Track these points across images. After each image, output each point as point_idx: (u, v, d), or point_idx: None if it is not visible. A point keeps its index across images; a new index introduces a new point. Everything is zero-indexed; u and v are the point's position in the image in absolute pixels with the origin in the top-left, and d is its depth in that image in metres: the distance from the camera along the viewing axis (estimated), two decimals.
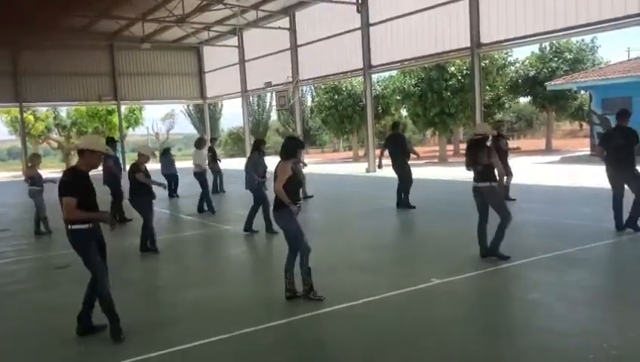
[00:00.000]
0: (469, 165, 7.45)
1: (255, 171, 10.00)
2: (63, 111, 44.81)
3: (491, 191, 7.17)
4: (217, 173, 17.00)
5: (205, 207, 13.23)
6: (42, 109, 42.41)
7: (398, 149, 12.40)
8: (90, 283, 5.29)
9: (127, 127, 42.19)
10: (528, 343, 4.76)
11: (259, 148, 10.26)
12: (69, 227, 5.10)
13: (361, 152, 38.71)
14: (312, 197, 14.60)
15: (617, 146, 8.36)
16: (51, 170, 40.83)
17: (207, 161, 14.72)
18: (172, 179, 16.59)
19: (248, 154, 11.07)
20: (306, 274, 5.97)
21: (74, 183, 5.08)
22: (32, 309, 6.49)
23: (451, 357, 4.55)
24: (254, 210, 10.18)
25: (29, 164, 11.50)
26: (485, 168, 7.20)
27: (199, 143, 15.04)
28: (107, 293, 5.17)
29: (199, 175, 13.58)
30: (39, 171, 11.43)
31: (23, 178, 11.33)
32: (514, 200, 11.96)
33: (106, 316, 5.18)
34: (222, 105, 54.68)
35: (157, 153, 23.96)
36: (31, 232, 11.38)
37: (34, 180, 11.08)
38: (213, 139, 17.43)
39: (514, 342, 4.85)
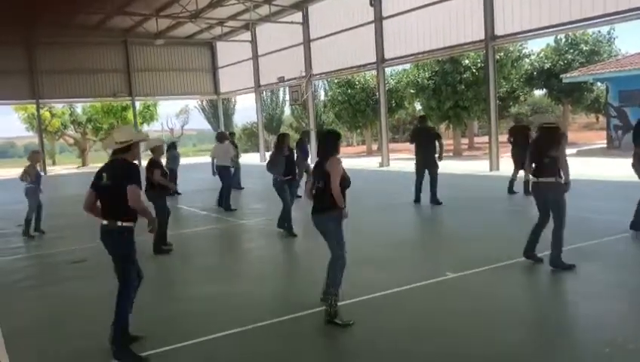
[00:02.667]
0: (534, 158, 6.77)
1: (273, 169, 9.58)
2: (79, 107, 45.22)
3: (557, 188, 6.53)
4: (237, 168, 16.69)
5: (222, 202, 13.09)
6: (58, 106, 42.82)
7: (431, 143, 12.02)
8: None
9: (142, 123, 42.38)
10: (544, 336, 4.75)
11: (278, 146, 9.76)
12: (119, 224, 4.72)
13: (374, 146, 38.61)
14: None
15: None
16: (67, 167, 41.35)
17: (231, 155, 13.95)
18: (173, 174, 16.28)
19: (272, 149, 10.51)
20: (331, 288, 5.24)
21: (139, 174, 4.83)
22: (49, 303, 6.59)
23: (468, 348, 4.55)
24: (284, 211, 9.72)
25: (29, 162, 10.89)
26: (551, 161, 6.50)
27: (221, 137, 14.50)
28: (126, 310, 4.79)
29: (220, 169, 13.31)
30: (38, 169, 11.11)
31: (20, 175, 10.91)
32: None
33: (113, 329, 4.72)
34: (235, 101, 54.80)
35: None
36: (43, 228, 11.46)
37: (32, 178, 10.65)
38: (231, 134, 17.23)
39: (531, 335, 4.83)
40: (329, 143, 5.49)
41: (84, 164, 42.21)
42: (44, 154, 32.47)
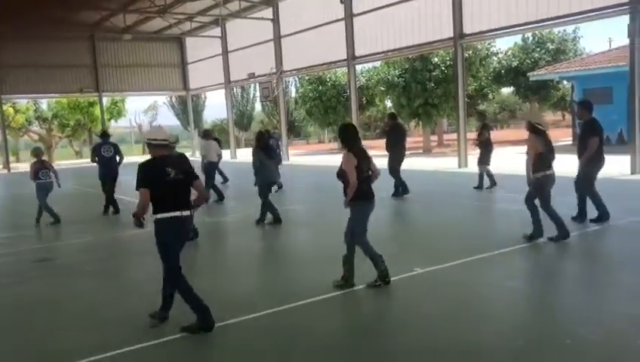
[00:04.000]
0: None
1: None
2: (44, 103, 44.29)
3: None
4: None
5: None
6: (22, 101, 41.84)
7: (400, 140, 12.59)
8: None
9: (109, 119, 41.77)
10: (508, 328, 4.83)
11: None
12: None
13: None
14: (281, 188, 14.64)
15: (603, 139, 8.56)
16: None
17: (218, 152, 14.36)
18: None
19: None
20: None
21: None
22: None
23: (432, 343, 4.58)
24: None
25: (35, 159, 11.20)
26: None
27: (207, 135, 14.83)
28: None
29: (207, 165, 13.56)
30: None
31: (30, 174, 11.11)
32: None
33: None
34: (205, 97, 54.38)
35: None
36: (9, 226, 11.26)
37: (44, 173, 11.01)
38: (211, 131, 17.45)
39: (496, 328, 4.89)
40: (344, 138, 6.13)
41: (50, 161, 41.27)
42: (8, 151, 31.69)
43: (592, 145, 8.24)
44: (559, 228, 7.45)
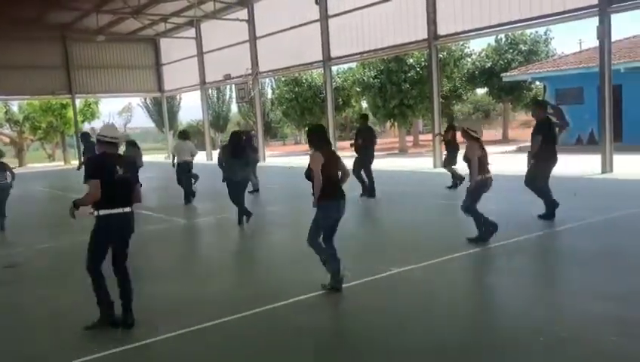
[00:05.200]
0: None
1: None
2: (15, 105, 43.41)
3: None
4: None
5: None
6: None
7: (371, 142, 12.69)
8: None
9: (83, 121, 41.10)
10: (480, 327, 4.88)
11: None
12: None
13: None
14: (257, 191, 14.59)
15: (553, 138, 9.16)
16: None
17: (194, 153, 14.17)
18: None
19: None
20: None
21: None
22: None
23: (410, 342, 4.61)
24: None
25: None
26: None
27: (184, 135, 14.64)
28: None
29: (183, 164, 13.53)
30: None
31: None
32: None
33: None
34: (180, 98, 53.90)
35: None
36: None
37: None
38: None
39: (468, 327, 4.95)
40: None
41: (20, 164, 40.45)
42: None
43: (533, 143, 8.72)
44: (480, 230, 7.62)
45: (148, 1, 24.79)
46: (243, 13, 27.18)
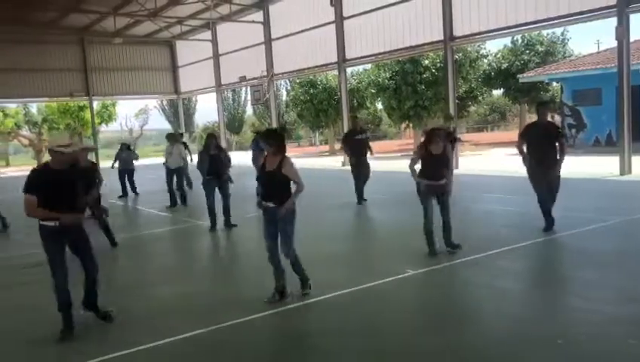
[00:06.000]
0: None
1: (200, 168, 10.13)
2: (34, 107, 44.00)
3: None
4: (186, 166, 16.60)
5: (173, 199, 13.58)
6: (12, 105, 41.56)
7: (363, 145, 12.25)
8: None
9: (100, 123, 41.58)
10: (499, 329, 4.86)
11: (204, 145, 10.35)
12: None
13: (337, 146, 38.74)
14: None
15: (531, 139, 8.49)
16: (22, 169, 40.17)
17: (183, 156, 14.32)
18: (129, 174, 16.17)
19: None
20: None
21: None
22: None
23: (423, 344, 4.61)
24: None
25: None
26: None
27: (173, 138, 14.57)
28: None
29: (174, 168, 13.58)
30: None
31: None
32: None
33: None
34: (196, 100, 54.32)
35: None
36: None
37: None
38: (180, 134, 17.42)
39: (487, 329, 4.93)
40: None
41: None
42: None
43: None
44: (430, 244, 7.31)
45: (164, 4, 24.99)
46: (258, 15, 27.30)
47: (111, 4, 25.97)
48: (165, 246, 10.10)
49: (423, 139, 7.50)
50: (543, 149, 8.07)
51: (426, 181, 7.16)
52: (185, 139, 19.01)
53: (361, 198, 12.12)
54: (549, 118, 9.18)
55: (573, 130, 25.15)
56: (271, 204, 5.63)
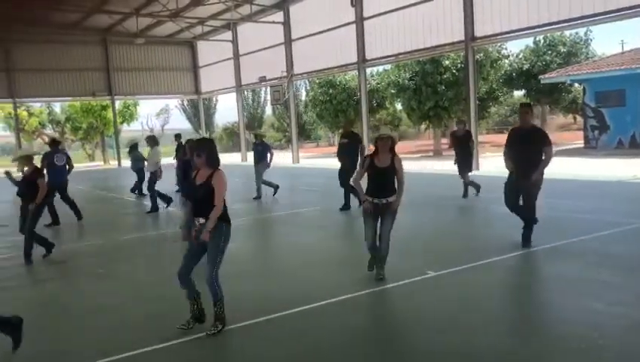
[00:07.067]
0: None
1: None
2: (57, 106, 44.67)
3: None
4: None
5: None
6: (36, 105, 42.26)
7: (355, 152, 11.36)
8: None
9: (122, 123, 42.03)
10: (521, 333, 4.83)
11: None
12: None
13: None
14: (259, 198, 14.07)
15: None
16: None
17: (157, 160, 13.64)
18: (140, 174, 15.91)
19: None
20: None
21: None
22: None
23: (445, 346, 4.60)
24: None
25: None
26: None
27: (153, 141, 13.98)
28: None
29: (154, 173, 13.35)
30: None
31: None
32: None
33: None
34: (217, 100, 54.63)
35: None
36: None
37: None
38: (178, 136, 17.02)
39: (509, 332, 4.91)
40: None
41: None
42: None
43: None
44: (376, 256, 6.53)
45: (186, 5, 25.22)
46: (279, 16, 27.42)
47: (133, 4, 26.31)
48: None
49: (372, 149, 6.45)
50: (520, 156, 7.37)
51: (369, 198, 6.26)
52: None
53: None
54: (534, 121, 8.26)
55: (596, 132, 24.83)
56: (202, 220, 5.03)
